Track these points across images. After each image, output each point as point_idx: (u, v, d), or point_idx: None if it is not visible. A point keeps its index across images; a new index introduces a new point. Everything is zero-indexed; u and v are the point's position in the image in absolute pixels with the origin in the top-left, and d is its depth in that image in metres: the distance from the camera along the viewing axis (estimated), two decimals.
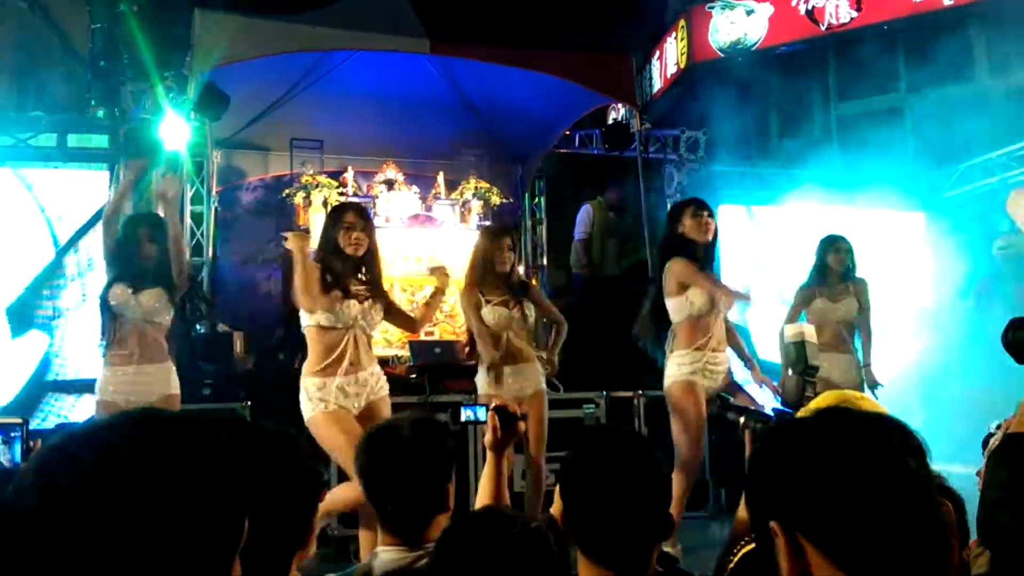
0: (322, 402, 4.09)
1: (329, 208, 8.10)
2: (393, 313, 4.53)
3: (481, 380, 4.91)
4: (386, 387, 4.33)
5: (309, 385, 4.12)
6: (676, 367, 4.79)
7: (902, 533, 1.13)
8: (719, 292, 4.81)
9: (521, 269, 5.93)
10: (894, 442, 1.19)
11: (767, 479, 1.23)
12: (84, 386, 6.51)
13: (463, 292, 5.05)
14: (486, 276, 4.93)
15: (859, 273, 5.82)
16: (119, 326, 4.56)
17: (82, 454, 0.95)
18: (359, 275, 4.30)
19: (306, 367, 4.17)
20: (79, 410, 6.80)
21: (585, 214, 9.19)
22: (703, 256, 4.86)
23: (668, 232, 5.00)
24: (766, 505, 1.21)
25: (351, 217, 4.28)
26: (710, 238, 4.86)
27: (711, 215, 4.90)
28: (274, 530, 1.76)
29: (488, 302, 4.87)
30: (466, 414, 2.82)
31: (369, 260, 4.32)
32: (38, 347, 6.98)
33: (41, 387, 6.96)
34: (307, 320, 4.17)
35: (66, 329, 7.05)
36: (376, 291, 4.32)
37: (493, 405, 2.67)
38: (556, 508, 2.33)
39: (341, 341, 4.15)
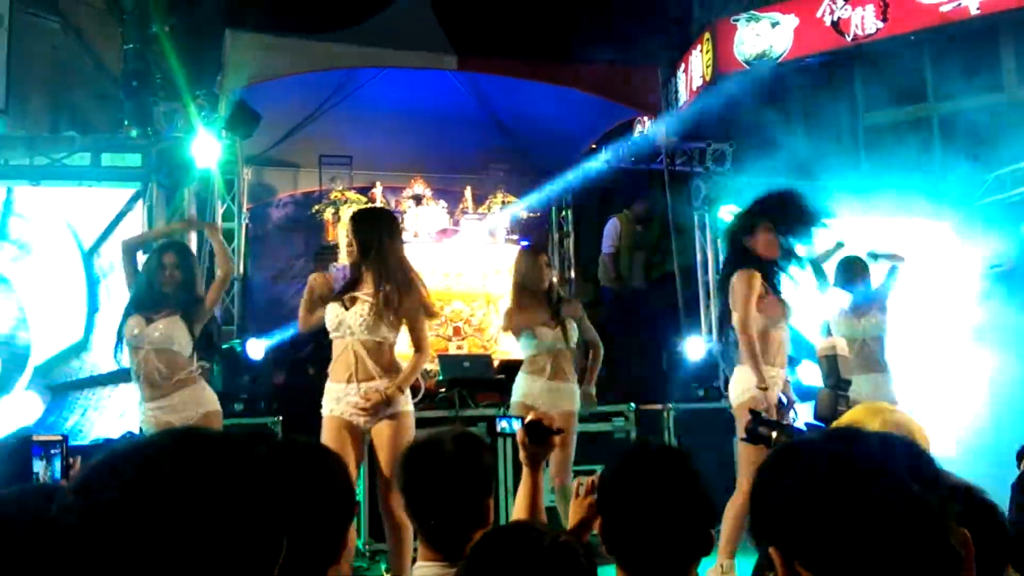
0: (326, 406, 4.18)
1: None
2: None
3: (516, 388, 4.96)
4: (399, 404, 4.13)
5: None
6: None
7: (902, 564, 1.07)
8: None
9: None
10: (898, 465, 1.13)
11: (765, 503, 1.17)
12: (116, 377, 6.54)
13: (507, 313, 5.16)
14: (527, 298, 4.98)
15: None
16: (139, 359, 4.62)
17: (124, 470, 0.98)
18: (367, 280, 4.18)
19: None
20: (113, 402, 6.80)
21: (612, 228, 9.19)
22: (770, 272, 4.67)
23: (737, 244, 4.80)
24: (765, 530, 1.17)
25: (346, 225, 4.37)
26: (776, 255, 4.66)
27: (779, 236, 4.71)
28: (308, 544, 1.79)
29: (531, 325, 4.97)
30: (502, 425, 2.81)
31: (376, 263, 4.15)
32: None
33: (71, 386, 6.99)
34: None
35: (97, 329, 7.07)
36: (387, 296, 4.10)
37: (527, 420, 2.67)
38: (574, 521, 2.33)
39: (343, 349, 4.16)
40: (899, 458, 1.14)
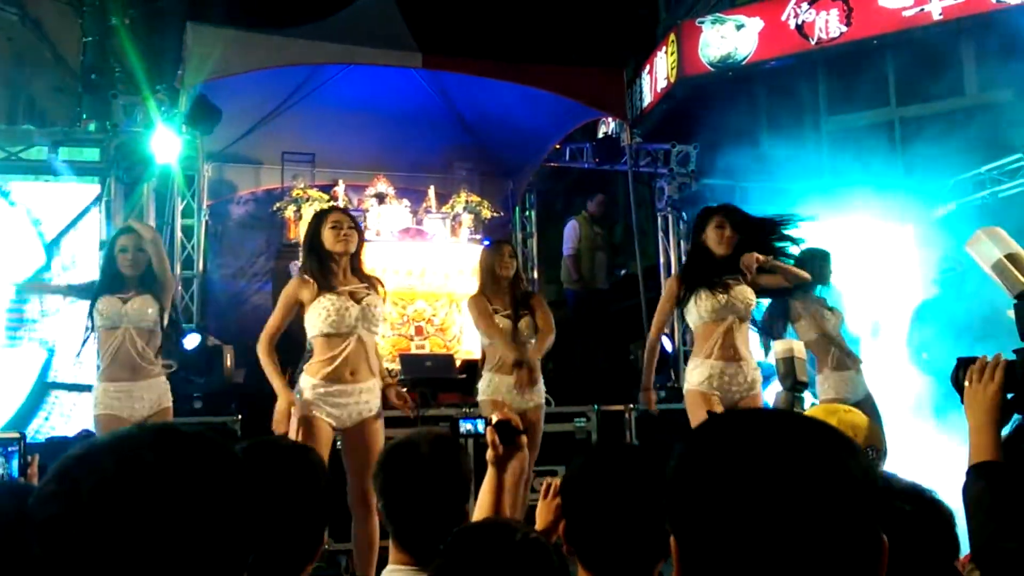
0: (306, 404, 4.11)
1: None
2: None
3: (485, 386, 4.91)
4: (379, 406, 4.24)
5: (302, 382, 4.15)
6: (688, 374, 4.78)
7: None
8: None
9: None
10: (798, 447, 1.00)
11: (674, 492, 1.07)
12: (81, 388, 6.51)
13: (471, 299, 5.06)
14: (490, 285, 4.99)
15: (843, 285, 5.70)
16: (110, 340, 4.54)
17: (105, 462, 0.97)
18: (356, 272, 4.28)
19: (307, 367, 4.18)
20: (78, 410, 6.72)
21: (572, 229, 9.21)
22: (722, 268, 4.73)
23: (692, 240, 5.00)
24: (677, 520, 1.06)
25: (336, 215, 4.29)
26: (728, 252, 4.71)
27: (734, 227, 4.75)
28: (287, 542, 1.82)
29: (495, 311, 4.90)
30: (465, 427, 2.79)
31: (357, 256, 4.29)
32: (38, 352, 6.93)
33: (42, 388, 6.92)
34: (310, 333, 4.18)
35: (58, 328, 6.99)
36: (372, 287, 4.28)
37: (494, 420, 2.66)
38: (541, 523, 2.32)
39: (343, 344, 4.12)
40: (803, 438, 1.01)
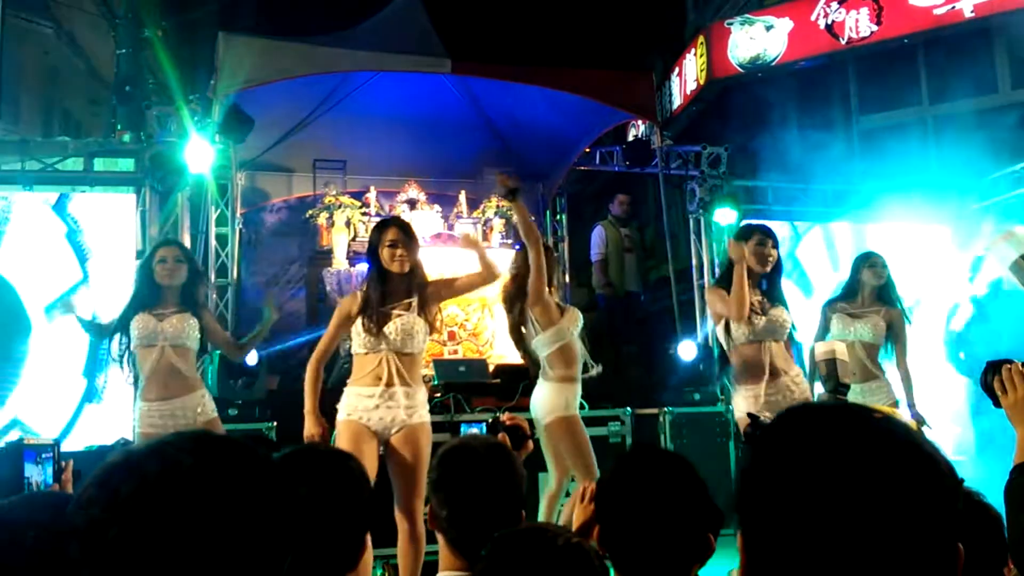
0: (344, 410, 4.12)
1: (352, 228, 8.17)
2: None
3: (556, 397, 4.78)
4: (424, 414, 4.19)
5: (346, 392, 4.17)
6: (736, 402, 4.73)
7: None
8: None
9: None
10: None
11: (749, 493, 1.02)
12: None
13: (544, 299, 4.80)
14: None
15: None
16: (147, 358, 4.55)
17: (145, 467, 1.00)
18: (409, 294, 4.21)
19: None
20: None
21: (598, 235, 9.19)
22: (757, 287, 4.72)
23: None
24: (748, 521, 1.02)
25: (392, 233, 4.20)
26: (767, 270, 4.71)
27: (774, 246, 4.75)
28: (328, 549, 1.83)
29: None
30: (472, 431, 2.85)
31: (411, 276, 4.23)
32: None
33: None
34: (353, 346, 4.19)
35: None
36: (422, 307, 4.21)
37: (507, 423, 2.68)
38: (578, 527, 2.31)
39: (377, 362, 4.11)
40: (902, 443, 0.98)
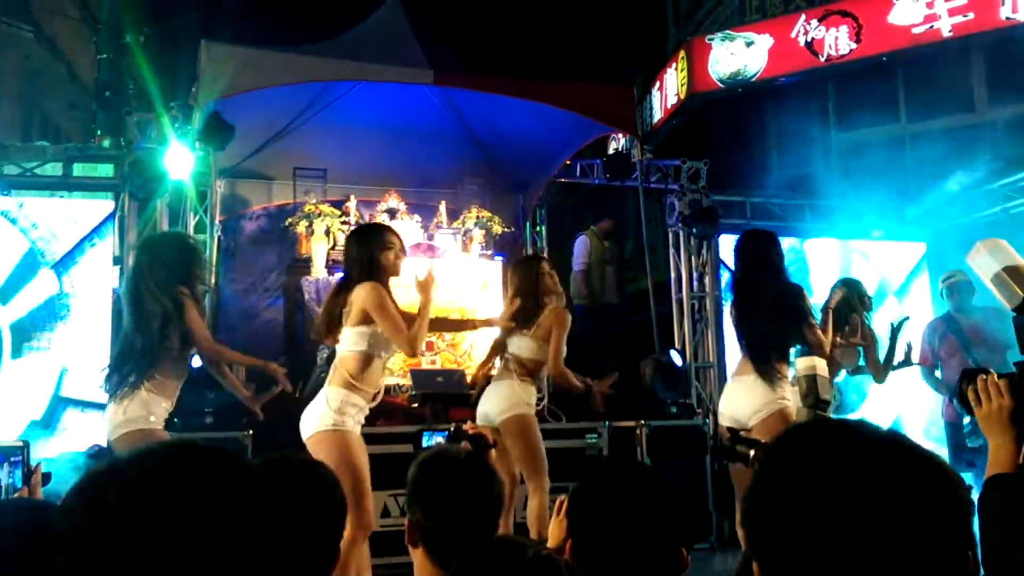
0: (342, 416, 4.02)
1: (331, 237, 8.15)
2: None
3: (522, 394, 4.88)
4: None
5: (336, 395, 4.03)
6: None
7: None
8: None
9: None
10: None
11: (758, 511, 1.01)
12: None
13: (562, 312, 4.96)
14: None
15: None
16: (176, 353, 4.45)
17: (128, 475, 1.01)
18: None
19: (339, 380, 4.08)
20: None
21: (582, 244, 9.23)
22: None
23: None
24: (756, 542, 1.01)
25: (394, 237, 4.28)
26: None
27: None
28: (303, 555, 1.85)
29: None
30: (428, 441, 2.89)
31: None
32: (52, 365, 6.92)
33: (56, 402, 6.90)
34: (356, 347, 4.11)
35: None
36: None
37: (469, 432, 2.70)
38: (554, 541, 2.32)
39: (377, 366, 4.15)
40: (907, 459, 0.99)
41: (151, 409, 4.29)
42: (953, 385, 6.20)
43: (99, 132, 7.56)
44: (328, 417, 3.97)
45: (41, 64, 9.60)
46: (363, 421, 4.15)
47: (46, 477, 2.70)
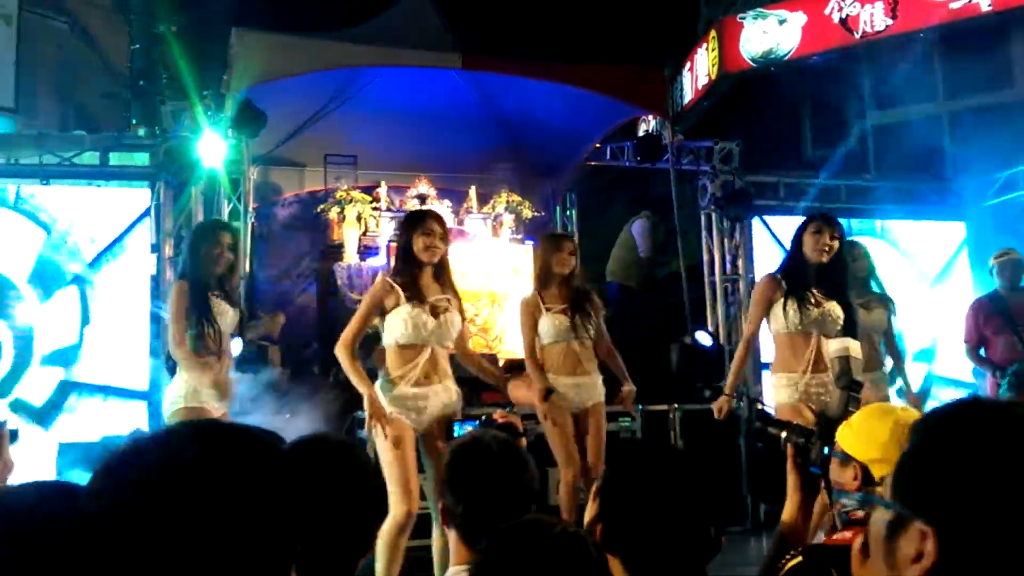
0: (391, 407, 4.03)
1: (363, 223, 8.19)
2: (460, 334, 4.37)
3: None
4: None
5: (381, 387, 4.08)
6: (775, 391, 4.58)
7: None
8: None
9: None
10: None
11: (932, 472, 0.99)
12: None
13: (523, 301, 4.91)
14: (549, 282, 4.86)
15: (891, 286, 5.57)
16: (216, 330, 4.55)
17: (151, 456, 1.02)
18: (440, 283, 4.23)
19: (382, 372, 4.14)
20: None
21: (645, 231, 9.17)
22: (814, 277, 4.55)
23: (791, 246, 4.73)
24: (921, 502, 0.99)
25: (429, 223, 4.20)
26: (823, 260, 4.50)
27: (834, 236, 4.52)
28: (340, 537, 1.86)
29: (548, 310, 4.79)
30: (459, 431, 2.88)
31: (442, 265, 4.24)
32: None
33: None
34: (386, 339, 4.13)
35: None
36: (455, 300, 4.25)
37: (500, 422, 2.69)
38: (588, 519, 2.32)
39: (418, 356, 4.08)
40: None
41: (192, 387, 4.38)
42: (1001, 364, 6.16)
43: (134, 121, 7.63)
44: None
45: (76, 55, 9.70)
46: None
47: (13, 435, 2.66)
